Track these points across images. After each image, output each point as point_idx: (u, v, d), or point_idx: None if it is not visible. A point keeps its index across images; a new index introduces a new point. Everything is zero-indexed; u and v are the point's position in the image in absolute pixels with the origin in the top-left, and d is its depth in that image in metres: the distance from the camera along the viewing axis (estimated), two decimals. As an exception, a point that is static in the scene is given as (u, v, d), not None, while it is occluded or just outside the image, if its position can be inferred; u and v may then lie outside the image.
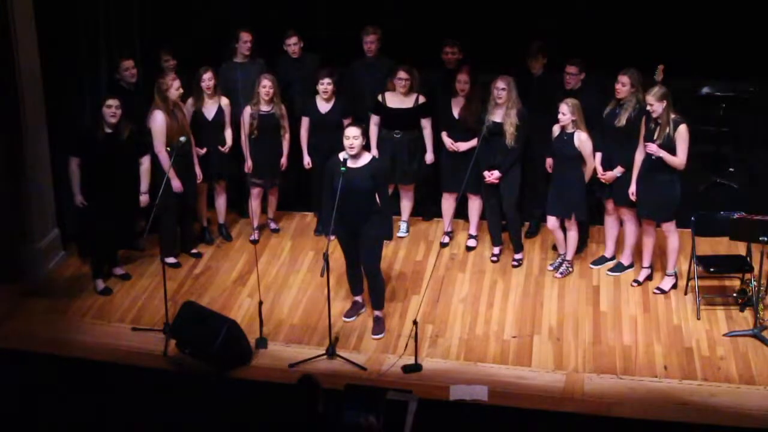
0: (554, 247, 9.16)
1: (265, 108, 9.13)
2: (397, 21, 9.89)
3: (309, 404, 6.18)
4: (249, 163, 9.24)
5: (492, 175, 8.77)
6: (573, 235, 8.76)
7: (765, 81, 9.96)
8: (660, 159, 8.15)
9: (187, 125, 8.88)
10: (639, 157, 8.35)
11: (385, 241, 8.10)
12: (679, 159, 8.11)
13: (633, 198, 8.44)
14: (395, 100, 9.09)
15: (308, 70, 9.36)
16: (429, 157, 9.29)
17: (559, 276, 8.87)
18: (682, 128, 8.08)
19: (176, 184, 8.75)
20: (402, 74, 8.96)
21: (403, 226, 9.62)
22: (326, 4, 10.04)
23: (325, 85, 9.05)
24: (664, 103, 8.03)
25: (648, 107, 8.07)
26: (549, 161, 8.81)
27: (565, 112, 8.38)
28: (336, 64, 9.46)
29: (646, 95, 8.09)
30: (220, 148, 9.12)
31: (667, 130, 8.07)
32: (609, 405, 7.30)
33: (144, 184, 8.69)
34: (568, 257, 8.88)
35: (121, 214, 8.70)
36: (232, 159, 9.27)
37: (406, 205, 9.57)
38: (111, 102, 8.29)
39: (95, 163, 8.40)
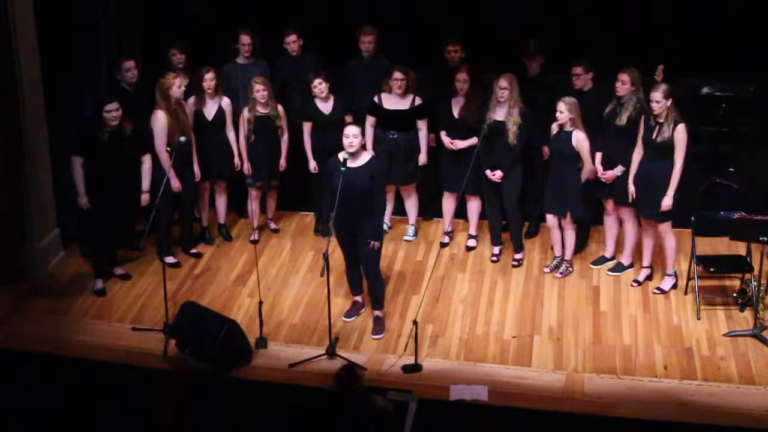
0: (553, 247, 9.15)
1: (261, 110, 9.13)
2: (398, 21, 9.89)
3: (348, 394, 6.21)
4: (247, 165, 9.25)
5: (495, 175, 8.77)
6: (570, 234, 8.76)
7: (765, 81, 9.96)
8: (658, 159, 8.16)
9: (189, 125, 8.88)
10: (636, 157, 8.36)
11: (384, 241, 8.08)
12: (676, 166, 8.11)
13: (631, 199, 8.43)
14: (392, 102, 9.08)
15: (307, 69, 9.35)
16: (422, 159, 9.27)
17: (559, 276, 8.86)
18: (680, 128, 8.08)
19: (175, 184, 8.75)
20: (397, 75, 8.94)
21: (411, 229, 9.60)
22: (326, 5, 10.04)
23: (318, 85, 9.04)
24: (669, 101, 8.04)
25: (652, 104, 8.07)
26: (545, 149, 8.84)
27: (563, 110, 8.38)
28: (335, 64, 9.45)
29: (651, 92, 8.07)
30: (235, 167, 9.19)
31: (667, 130, 8.08)
32: (609, 405, 7.30)
33: (145, 183, 8.69)
34: (567, 257, 8.88)
35: (121, 214, 8.72)
36: (232, 159, 9.27)
37: (410, 207, 9.55)
38: (110, 107, 8.26)
39: (97, 163, 8.40)
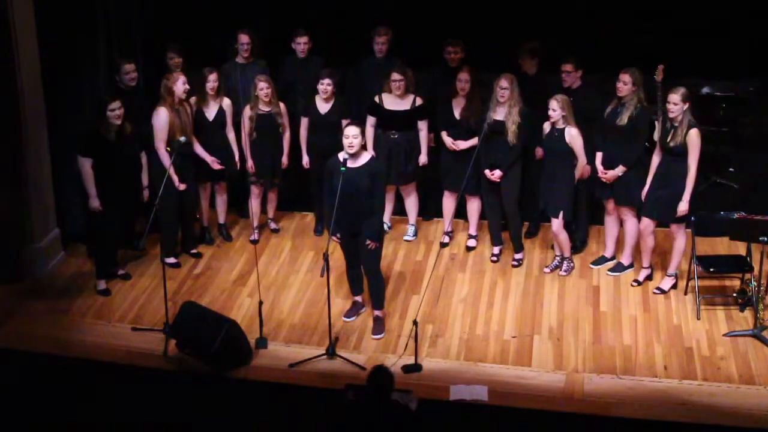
0: (553, 247, 9.16)
1: (264, 108, 9.14)
2: (399, 21, 9.88)
3: (382, 393, 6.26)
4: (250, 163, 9.26)
5: (494, 174, 8.77)
6: (563, 234, 8.76)
7: (765, 81, 9.96)
8: (671, 162, 8.16)
9: (191, 124, 8.88)
10: (656, 159, 8.35)
11: (384, 241, 8.09)
12: (691, 171, 8.12)
13: (643, 198, 8.44)
14: (392, 102, 9.08)
15: (312, 71, 9.33)
16: (422, 159, 9.27)
17: (564, 274, 8.87)
18: (693, 133, 8.07)
19: (177, 182, 8.74)
20: (395, 75, 8.93)
21: (411, 229, 9.60)
22: (325, 5, 10.03)
23: (325, 85, 9.05)
24: (686, 105, 8.04)
25: (669, 105, 8.06)
26: (539, 151, 8.82)
27: (555, 107, 8.40)
28: (339, 64, 9.45)
29: (669, 94, 8.07)
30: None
31: (681, 134, 8.08)
32: (609, 405, 7.31)
33: (144, 178, 8.76)
34: (566, 254, 8.90)
35: (123, 214, 8.72)
36: (231, 160, 9.27)
37: (411, 207, 9.55)
38: (114, 105, 8.29)
39: (106, 163, 8.40)
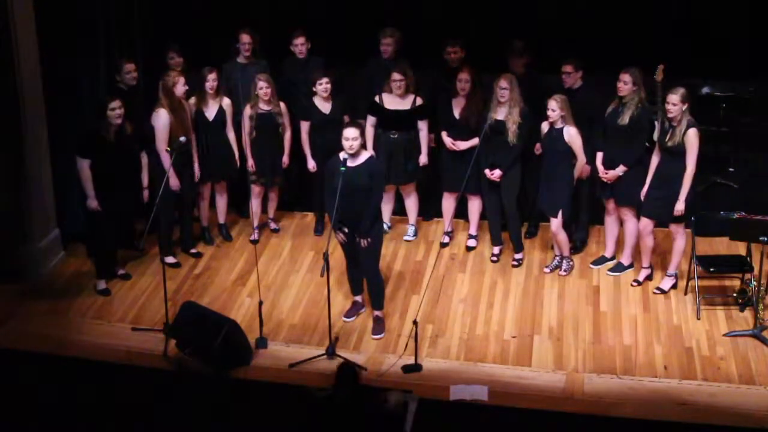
0: (553, 247, 9.16)
1: (264, 108, 9.14)
2: (399, 21, 9.88)
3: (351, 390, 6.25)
4: (250, 162, 9.26)
5: (494, 174, 8.77)
6: (562, 233, 8.76)
7: (765, 81, 9.96)
8: (669, 161, 8.16)
9: (190, 124, 8.89)
10: (656, 159, 8.35)
11: (384, 241, 8.08)
12: (688, 170, 8.11)
13: (642, 198, 8.44)
14: (393, 102, 9.08)
15: (312, 71, 9.33)
16: (423, 159, 9.27)
17: (564, 273, 8.87)
18: (691, 132, 8.07)
19: (174, 182, 8.75)
20: (396, 75, 8.94)
21: (411, 229, 9.61)
22: (326, 5, 10.04)
23: (324, 84, 9.06)
24: (685, 105, 8.05)
25: (668, 106, 8.06)
26: (538, 146, 8.80)
27: (554, 107, 8.39)
28: (339, 64, 9.44)
29: (668, 94, 8.08)
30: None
31: (679, 134, 8.08)
32: (609, 405, 7.31)
33: (144, 179, 8.76)
34: (565, 254, 8.90)
35: (123, 214, 8.73)
36: (231, 160, 9.27)
37: (411, 207, 9.55)
38: (114, 104, 8.30)
39: (105, 164, 8.40)
